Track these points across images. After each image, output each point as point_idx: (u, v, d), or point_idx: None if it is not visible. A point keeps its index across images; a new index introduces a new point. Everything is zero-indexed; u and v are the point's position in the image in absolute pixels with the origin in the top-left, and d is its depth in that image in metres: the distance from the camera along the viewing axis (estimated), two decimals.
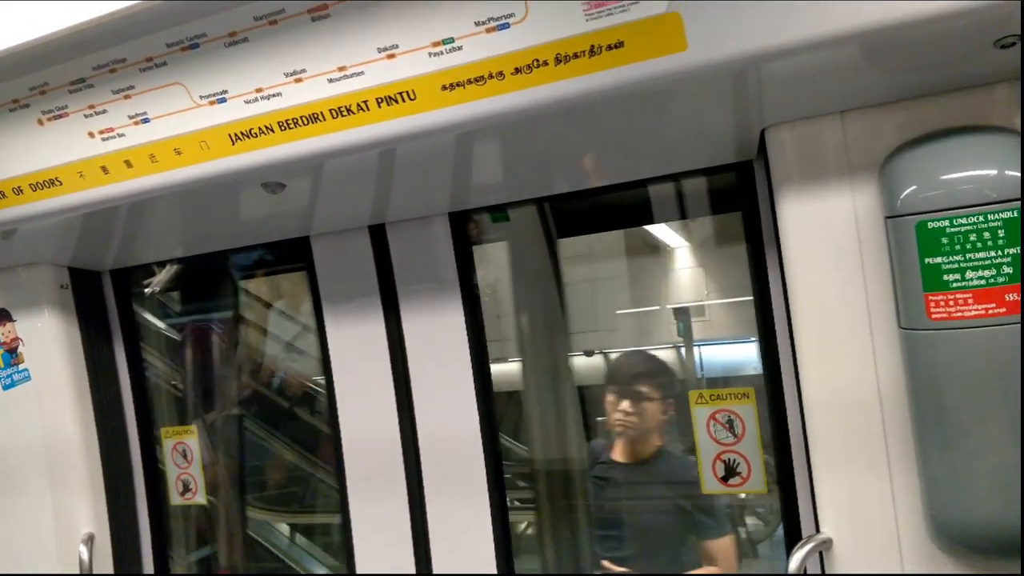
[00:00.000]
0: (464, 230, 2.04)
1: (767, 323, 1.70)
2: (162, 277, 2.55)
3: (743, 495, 2.84)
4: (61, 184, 1.60)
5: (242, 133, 1.42)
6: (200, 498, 2.48)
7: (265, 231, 2.19)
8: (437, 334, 2.05)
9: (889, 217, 1.32)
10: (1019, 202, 1.21)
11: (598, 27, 1.16)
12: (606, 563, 2.56)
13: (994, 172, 1.24)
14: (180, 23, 1.36)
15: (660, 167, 1.79)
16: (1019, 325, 1.22)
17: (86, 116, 1.52)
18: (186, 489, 2.47)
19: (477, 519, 2.03)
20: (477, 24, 1.22)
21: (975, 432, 1.26)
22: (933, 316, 1.27)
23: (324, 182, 1.73)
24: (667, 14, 1.13)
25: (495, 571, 2.01)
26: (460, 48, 1.24)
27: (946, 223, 1.25)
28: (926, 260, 1.27)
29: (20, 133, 1.58)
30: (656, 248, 4.19)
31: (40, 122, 1.56)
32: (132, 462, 2.45)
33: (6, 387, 2.28)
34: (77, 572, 2.16)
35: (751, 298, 1.75)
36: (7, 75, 1.50)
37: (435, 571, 2.07)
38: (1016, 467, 1.24)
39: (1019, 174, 1.22)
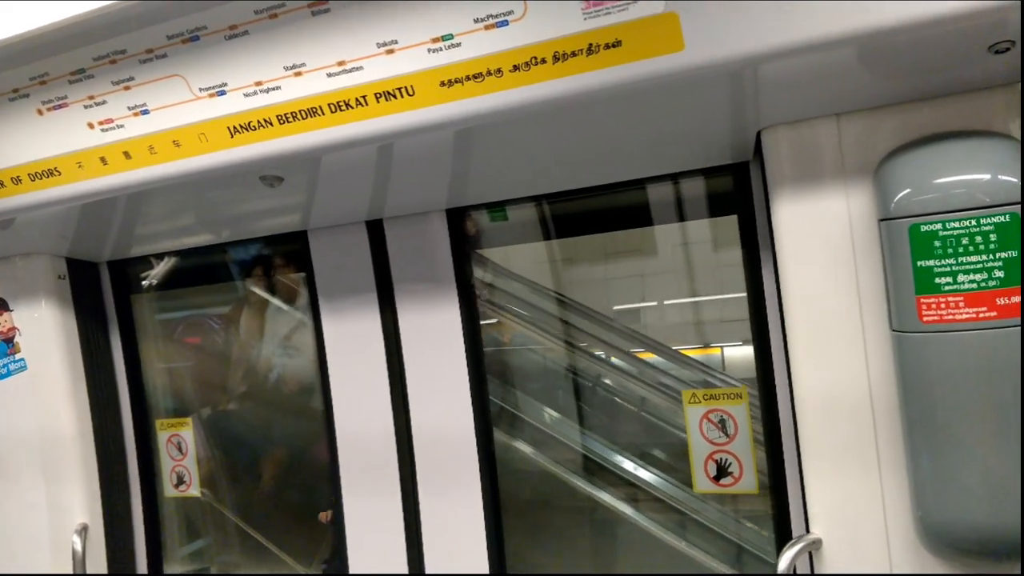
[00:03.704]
0: (462, 227, 2.05)
1: (761, 323, 1.71)
2: (160, 270, 2.55)
3: None
4: (60, 174, 1.61)
5: (241, 126, 1.43)
6: (194, 490, 2.48)
7: (263, 225, 2.19)
8: (433, 330, 2.05)
9: (883, 220, 1.33)
10: (1013, 206, 1.22)
11: (596, 26, 1.17)
12: None
13: (987, 176, 1.24)
14: (181, 15, 1.36)
15: (657, 167, 1.80)
16: (1010, 329, 1.23)
17: (86, 107, 1.52)
18: (180, 481, 2.48)
19: (470, 516, 2.03)
20: (476, 21, 1.23)
21: (965, 435, 1.27)
22: (925, 319, 1.28)
23: (322, 176, 1.73)
24: (664, 14, 1.13)
25: (487, 566, 2.02)
26: (459, 45, 1.25)
27: (939, 226, 1.26)
28: (918, 263, 1.28)
29: (19, 123, 1.58)
30: None
31: (40, 112, 1.56)
32: (127, 453, 2.46)
33: (1, 376, 2.28)
34: (70, 562, 2.16)
35: None
36: (7, 64, 1.50)
37: (427, 567, 2.07)
38: (1004, 470, 1.24)
39: (1013, 179, 1.22)
